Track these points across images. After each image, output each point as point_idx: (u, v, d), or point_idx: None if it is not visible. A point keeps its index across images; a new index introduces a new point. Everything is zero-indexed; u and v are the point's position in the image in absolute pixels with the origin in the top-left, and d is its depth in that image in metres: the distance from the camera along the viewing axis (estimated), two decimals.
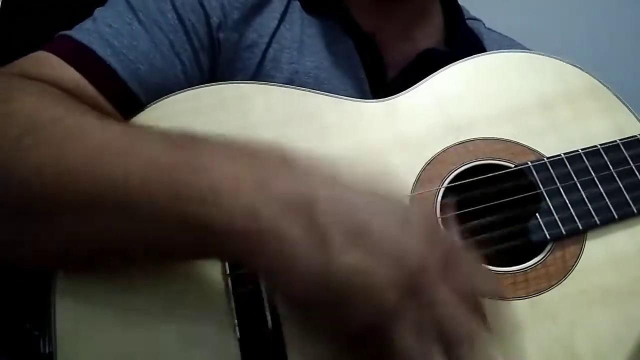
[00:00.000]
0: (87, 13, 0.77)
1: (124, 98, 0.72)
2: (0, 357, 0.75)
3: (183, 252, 0.60)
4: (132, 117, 0.72)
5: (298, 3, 0.86)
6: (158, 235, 0.57)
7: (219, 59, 0.80)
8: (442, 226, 0.58)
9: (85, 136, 0.58)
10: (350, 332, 0.53)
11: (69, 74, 0.70)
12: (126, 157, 0.56)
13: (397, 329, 0.51)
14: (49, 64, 0.70)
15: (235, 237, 0.54)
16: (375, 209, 0.54)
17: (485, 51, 0.93)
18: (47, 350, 0.63)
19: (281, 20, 0.83)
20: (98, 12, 0.76)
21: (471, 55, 0.85)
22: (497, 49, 0.94)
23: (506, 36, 1.00)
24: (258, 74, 0.80)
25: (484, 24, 1.01)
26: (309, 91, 0.77)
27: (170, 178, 0.54)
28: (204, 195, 0.53)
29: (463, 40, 0.92)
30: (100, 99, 0.71)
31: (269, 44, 0.81)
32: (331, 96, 0.77)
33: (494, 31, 1.00)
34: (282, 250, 0.52)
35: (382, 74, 0.86)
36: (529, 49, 0.97)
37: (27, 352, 0.70)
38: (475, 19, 1.00)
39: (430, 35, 0.90)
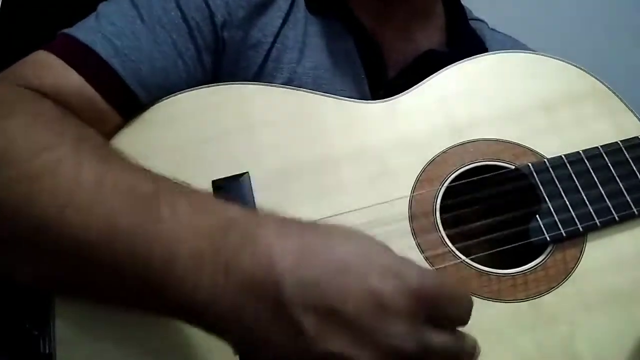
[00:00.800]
0: (87, 13, 0.77)
1: (125, 99, 0.72)
2: (0, 357, 0.75)
3: (152, 311, 0.59)
4: (133, 118, 0.73)
5: (303, 2, 0.86)
6: (125, 292, 0.56)
7: (223, 58, 0.79)
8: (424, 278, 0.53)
9: (56, 179, 0.57)
10: None
11: (71, 78, 0.69)
12: (92, 210, 0.55)
13: None
14: (50, 67, 0.69)
15: (201, 318, 0.54)
16: (346, 284, 0.51)
17: (487, 51, 0.93)
18: (47, 350, 0.63)
19: (285, 19, 0.83)
20: (101, 7, 0.76)
21: (473, 55, 0.85)
22: (500, 50, 0.94)
23: (510, 36, 1.00)
24: (260, 74, 0.80)
25: (487, 25, 1.00)
26: (310, 92, 0.77)
27: (131, 243, 0.54)
28: (165, 270, 0.53)
29: (465, 42, 0.92)
30: (100, 100, 0.70)
31: (272, 44, 0.81)
32: (332, 97, 0.77)
33: (498, 32, 1.00)
34: (252, 334, 0.52)
35: (383, 74, 0.85)
36: (532, 49, 0.97)
37: (27, 352, 0.70)
38: (478, 19, 1.00)
39: (431, 36, 0.90)
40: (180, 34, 0.76)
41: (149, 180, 0.58)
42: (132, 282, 0.54)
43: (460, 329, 0.55)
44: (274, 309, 0.50)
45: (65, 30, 0.73)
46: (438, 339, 0.52)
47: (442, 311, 0.53)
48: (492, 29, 1.00)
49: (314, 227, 0.56)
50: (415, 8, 0.88)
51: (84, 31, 0.73)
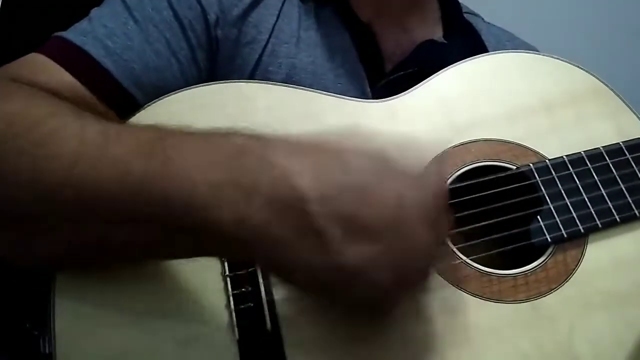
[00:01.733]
0: (87, 13, 0.77)
1: (119, 99, 0.72)
2: (0, 357, 0.75)
3: (181, 251, 0.60)
4: (129, 118, 0.72)
5: None
6: (147, 238, 0.57)
7: (217, 56, 0.79)
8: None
9: (62, 142, 0.57)
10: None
11: (63, 78, 0.70)
12: (102, 165, 0.56)
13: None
14: (43, 68, 0.70)
15: (229, 244, 0.55)
16: (366, 193, 0.53)
17: (484, 45, 0.93)
18: (47, 350, 0.63)
19: (279, 14, 0.83)
20: (94, 12, 0.76)
21: (470, 48, 0.85)
22: (496, 43, 0.95)
23: (506, 30, 1.00)
24: (256, 70, 0.80)
25: (482, 19, 1.00)
26: (310, 90, 0.77)
27: (147, 189, 0.54)
28: (186, 209, 0.53)
29: (461, 34, 0.92)
30: (95, 101, 0.71)
31: (268, 40, 0.81)
32: (333, 96, 0.77)
33: (494, 25, 1.00)
34: (280, 253, 0.53)
35: (380, 66, 0.85)
36: (528, 43, 0.97)
37: (27, 352, 0.70)
38: (473, 13, 1.00)
39: (427, 27, 0.90)
40: (174, 33, 0.76)
41: (151, 128, 0.59)
42: (154, 225, 0.55)
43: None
44: (299, 223, 0.52)
45: (58, 33, 0.74)
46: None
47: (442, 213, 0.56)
48: (487, 23, 1.00)
49: (324, 144, 0.56)
50: (410, 1, 0.88)
51: (76, 33, 0.73)
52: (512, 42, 0.97)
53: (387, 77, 0.84)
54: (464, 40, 0.90)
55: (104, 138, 0.57)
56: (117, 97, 0.72)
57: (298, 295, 0.64)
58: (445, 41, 0.89)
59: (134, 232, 0.57)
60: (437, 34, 0.91)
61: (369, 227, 0.52)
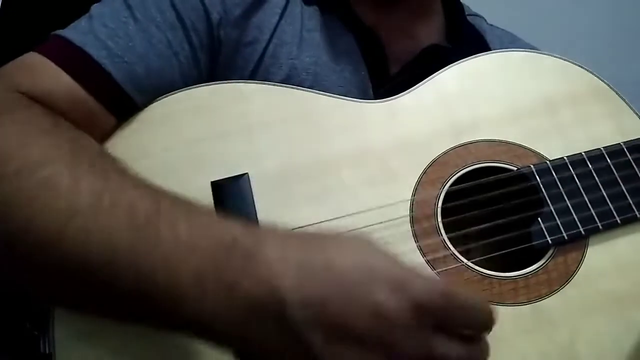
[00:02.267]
0: (87, 11, 0.76)
1: (118, 101, 0.71)
2: (0, 357, 0.75)
3: (156, 326, 0.58)
4: (129, 118, 0.72)
5: None
6: (128, 311, 0.56)
7: (219, 57, 0.79)
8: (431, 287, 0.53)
9: (52, 201, 0.56)
10: None
11: (63, 81, 0.69)
12: (90, 236, 0.54)
13: None
14: (42, 70, 0.69)
15: (208, 334, 0.54)
16: (350, 300, 0.51)
17: (488, 47, 0.93)
18: (47, 350, 0.63)
19: (282, 15, 0.82)
20: (94, 9, 0.75)
21: (474, 51, 0.84)
22: (499, 45, 0.94)
23: (509, 32, 0.99)
24: (257, 71, 0.80)
25: (485, 20, 1.00)
26: (310, 91, 0.77)
27: (131, 268, 0.53)
28: (167, 291, 0.52)
29: (465, 37, 0.92)
30: (93, 104, 0.70)
31: (269, 40, 0.80)
32: (332, 96, 0.77)
33: (497, 27, 1.00)
34: (259, 352, 0.52)
35: (385, 69, 0.85)
36: (530, 44, 0.97)
37: (27, 352, 0.70)
38: (476, 15, 1.00)
39: (432, 31, 0.90)
40: (176, 33, 0.75)
41: (148, 198, 0.57)
42: (135, 301, 0.54)
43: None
44: (279, 328, 0.51)
45: (57, 32, 0.72)
46: (447, 346, 0.52)
47: (454, 319, 0.53)
48: (490, 25, 0.99)
49: (314, 241, 0.55)
50: (415, 4, 0.87)
51: (77, 33, 0.72)
52: (514, 44, 0.96)
53: (391, 81, 0.83)
54: (468, 44, 0.89)
55: (98, 204, 0.55)
56: (116, 100, 0.71)
57: None
58: (449, 45, 0.89)
59: (114, 302, 0.56)
60: (442, 37, 0.90)
61: (351, 333, 0.50)
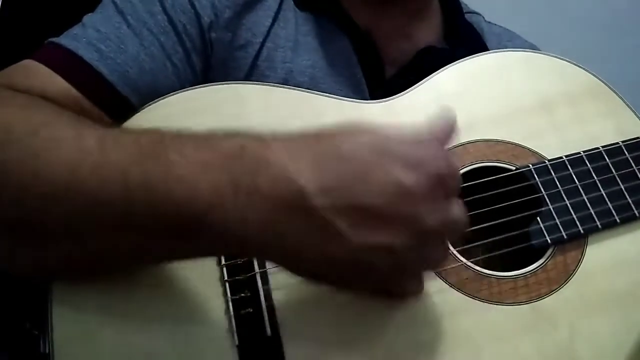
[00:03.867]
0: (87, 13, 0.77)
1: (114, 103, 0.72)
2: (0, 357, 0.75)
3: (183, 255, 0.60)
4: (125, 121, 0.72)
5: (291, 1, 0.85)
6: (151, 244, 0.57)
7: (212, 60, 0.79)
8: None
9: (60, 150, 0.57)
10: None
11: (57, 83, 0.69)
12: (101, 172, 0.55)
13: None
14: (37, 73, 0.70)
15: (234, 243, 0.55)
16: (369, 181, 0.53)
17: (486, 46, 0.93)
18: (47, 350, 0.63)
19: (275, 18, 0.82)
20: (87, 17, 0.76)
21: (472, 51, 0.84)
22: (497, 43, 0.94)
23: (507, 29, 0.99)
24: (252, 74, 0.80)
25: (483, 18, 1.00)
26: (308, 92, 0.77)
27: (148, 195, 0.54)
28: (187, 213, 0.53)
29: (463, 36, 0.91)
30: (90, 106, 0.70)
31: (263, 43, 0.81)
32: (330, 97, 0.76)
33: (495, 24, 0.99)
34: (289, 249, 0.54)
35: (380, 72, 0.85)
36: (528, 42, 0.97)
37: (27, 352, 0.70)
38: (474, 12, 0.99)
39: (428, 31, 0.89)
40: (168, 36, 0.76)
41: (150, 131, 0.59)
42: (156, 229, 0.55)
43: None
44: (305, 219, 0.52)
45: (51, 39, 0.73)
46: (456, 209, 0.57)
47: (452, 187, 0.57)
48: (488, 22, 0.99)
49: (321, 135, 0.56)
50: (410, 4, 0.87)
51: (69, 39, 0.73)
52: (512, 42, 0.96)
53: (387, 84, 0.83)
54: (466, 42, 0.89)
55: (103, 144, 0.57)
56: (112, 101, 0.72)
57: (298, 299, 0.64)
58: (446, 46, 0.89)
59: (136, 238, 0.57)
60: (439, 37, 0.90)
61: (375, 212, 0.52)
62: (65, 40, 0.73)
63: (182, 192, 0.53)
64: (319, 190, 0.52)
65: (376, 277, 0.58)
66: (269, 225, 0.53)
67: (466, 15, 0.96)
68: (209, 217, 0.53)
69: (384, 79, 0.84)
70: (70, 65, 0.70)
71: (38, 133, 0.58)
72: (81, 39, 0.72)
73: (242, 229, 0.53)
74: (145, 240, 0.57)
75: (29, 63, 0.71)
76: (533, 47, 0.95)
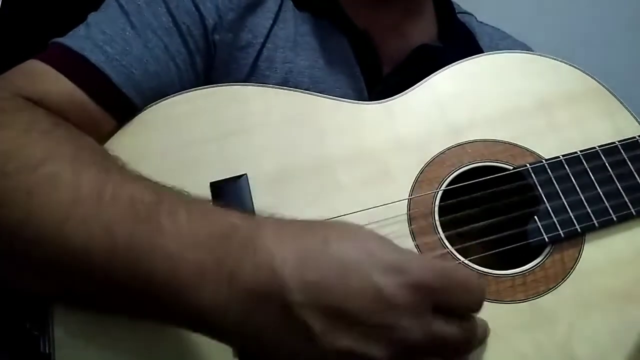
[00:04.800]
0: (87, 14, 0.77)
1: (118, 104, 0.72)
2: (0, 357, 0.75)
3: (158, 320, 0.59)
4: (128, 121, 0.73)
5: (291, 2, 0.86)
6: (128, 304, 0.57)
7: (214, 61, 0.80)
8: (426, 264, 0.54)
9: (54, 193, 0.57)
10: None
11: (63, 85, 0.70)
12: (90, 226, 0.55)
13: None
14: (42, 75, 0.70)
15: (209, 329, 0.55)
16: (348, 283, 0.52)
17: (479, 45, 0.94)
18: (47, 350, 0.63)
19: (275, 20, 0.83)
20: (91, 17, 0.76)
21: (465, 49, 0.85)
22: (490, 42, 0.95)
23: (498, 29, 1.00)
24: (252, 74, 0.80)
25: (475, 18, 1.01)
26: (308, 93, 0.77)
27: (131, 259, 0.54)
28: (167, 283, 0.53)
29: (456, 35, 0.93)
30: (94, 107, 0.71)
31: (263, 44, 0.81)
32: (330, 98, 0.77)
33: (487, 24, 1.00)
34: (260, 341, 0.53)
35: (378, 70, 0.86)
36: (520, 41, 0.98)
37: (27, 352, 0.70)
38: (466, 12, 1.01)
39: (423, 30, 0.91)
40: (172, 38, 0.76)
41: (149, 191, 0.58)
42: (135, 294, 0.55)
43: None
44: (280, 313, 0.51)
45: (56, 40, 0.74)
46: (446, 327, 0.53)
47: (450, 300, 0.54)
48: (480, 22, 1.00)
49: (312, 228, 0.56)
50: (405, 3, 0.88)
51: (75, 39, 0.73)
52: (505, 41, 0.98)
53: (384, 81, 0.84)
54: (459, 42, 0.91)
55: (99, 196, 0.56)
56: (116, 103, 0.72)
57: None
58: (440, 44, 0.89)
59: (115, 295, 0.57)
60: (433, 36, 0.91)
61: (351, 316, 0.51)
62: (70, 41, 0.73)
63: (165, 264, 0.53)
64: (300, 287, 0.51)
65: None
66: (246, 315, 0.52)
67: (458, 15, 0.97)
68: (184, 295, 0.53)
69: (382, 77, 0.85)
70: (76, 67, 0.71)
71: (36, 170, 0.58)
72: (86, 40, 0.73)
73: (219, 314, 0.52)
74: (122, 300, 0.57)
75: (34, 64, 0.71)
76: (525, 46, 0.97)
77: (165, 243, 0.54)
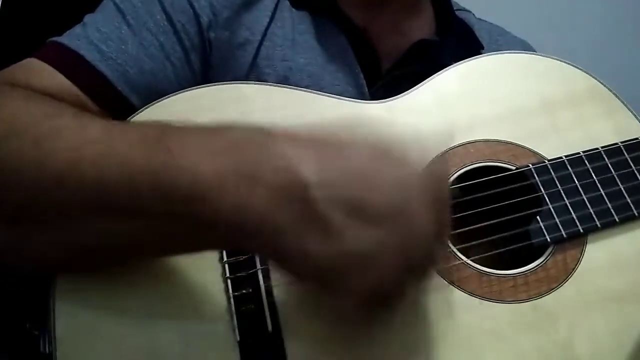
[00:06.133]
0: (86, 14, 0.77)
1: (115, 102, 0.73)
2: (0, 357, 0.75)
3: (182, 245, 0.60)
4: (128, 119, 0.72)
5: (287, 1, 0.86)
6: (151, 233, 0.57)
7: (211, 59, 0.80)
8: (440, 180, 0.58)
9: (63, 140, 0.58)
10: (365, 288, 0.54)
11: (58, 81, 0.70)
12: (105, 160, 0.56)
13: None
14: (39, 72, 0.71)
15: (232, 232, 0.55)
16: (368, 178, 0.53)
17: (478, 40, 0.94)
18: (47, 350, 0.63)
19: (272, 17, 0.83)
20: (88, 17, 0.77)
21: (464, 44, 0.85)
22: (489, 38, 0.95)
23: (497, 25, 1.01)
24: (252, 72, 0.80)
25: (474, 15, 1.01)
26: (308, 91, 0.77)
27: (151, 180, 0.54)
28: (190, 196, 0.53)
29: (454, 30, 0.93)
30: (91, 105, 0.71)
31: (261, 42, 0.81)
32: (331, 97, 0.77)
33: (485, 21, 1.01)
34: (282, 241, 0.53)
35: (377, 66, 0.86)
36: (519, 37, 0.98)
37: (27, 352, 0.70)
38: (465, 9, 1.01)
39: (421, 26, 0.91)
40: (167, 36, 0.76)
41: (154, 124, 0.60)
42: (158, 216, 0.55)
43: None
44: (301, 209, 0.52)
45: (53, 39, 0.74)
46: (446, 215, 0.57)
47: (445, 190, 0.58)
48: (478, 19, 1.01)
49: (325, 133, 0.57)
50: (404, 4, 0.89)
51: (71, 38, 0.74)
52: (503, 37, 0.98)
53: (384, 77, 0.84)
54: (458, 37, 0.91)
55: (108, 133, 0.58)
56: (113, 101, 0.72)
57: (299, 295, 0.64)
58: (438, 39, 0.90)
59: (136, 226, 0.57)
60: (431, 32, 0.92)
61: (371, 211, 0.52)
62: (67, 39, 0.74)
63: (184, 179, 0.54)
64: (320, 183, 0.52)
65: (364, 280, 0.54)
66: (269, 215, 0.53)
67: (457, 13, 0.97)
68: (208, 204, 0.53)
69: (381, 72, 0.85)
70: (73, 65, 0.71)
71: (41, 125, 0.59)
72: (83, 39, 0.73)
73: (242, 215, 0.53)
74: (149, 226, 0.57)
75: (31, 61, 0.72)
76: (524, 43, 0.97)
77: (180, 161, 0.54)
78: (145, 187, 0.54)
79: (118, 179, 0.55)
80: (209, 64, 0.80)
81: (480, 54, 0.87)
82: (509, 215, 0.72)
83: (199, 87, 0.75)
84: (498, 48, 0.94)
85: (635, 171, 0.74)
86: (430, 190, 0.55)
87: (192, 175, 0.54)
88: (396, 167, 0.55)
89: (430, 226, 0.54)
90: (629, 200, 0.73)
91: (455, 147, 0.75)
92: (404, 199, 0.53)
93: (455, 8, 0.98)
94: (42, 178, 0.57)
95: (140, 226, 0.57)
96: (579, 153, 0.75)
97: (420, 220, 0.53)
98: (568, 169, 0.73)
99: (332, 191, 0.52)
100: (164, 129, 0.58)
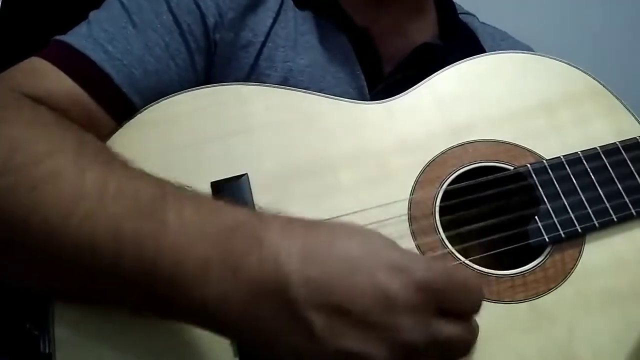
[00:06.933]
0: (87, 13, 0.77)
1: (118, 103, 0.72)
2: (0, 357, 0.75)
3: (162, 315, 0.59)
4: (129, 120, 0.73)
5: (291, 1, 0.86)
6: (132, 298, 0.57)
7: (214, 59, 0.79)
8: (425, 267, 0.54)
9: (59, 189, 0.56)
10: None
11: (64, 83, 0.70)
12: (95, 221, 0.55)
13: None
14: (44, 73, 0.70)
15: (211, 322, 0.55)
16: (353, 282, 0.52)
17: (481, 44, 0.94)
18: (47, 350, 0.63)
19: (276, 18, 0.83)
20: (93, 15, 0.76)
21: (467, 48, 0.85)
22: (492, 42, 0.95)
23: (500, 29, 1.00)
24: (253, 73, 0.80)
25: (477, 19, 1.01)
26: (309, 93, 0.77)
27: (138, 250, 0.54)
28: (173, 277, 0.53)
29: (457, 34, 0.93)
30: (94, 106, 0.71)
31: (264, 43, 0.81)
32: (331, 98, 0.77)
33: (488, 25, 1.01)
34: (262, 335, 0.53)
35: (379, 69, 0.86)
36: (521, 42, 0.98)
37: (27, 352, 0.70)
38: (468, 13, 1.01)
39: (424, 29, 0.91)
40: (173, 36, 0.76)
41: (153, 185, 0.58)
42: (139, 288, 0.55)
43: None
44: (283, 308, 0.51)
45: (58, 37, 0.74)
46: (447, 328, 0.54)
47: (451, 302, 0.54)
48: (482, 23, 1.00)
49: (317, 226, 0.56)
50: (407, 5, 0.88)
51: (77, 37, 0.73)
52: (506, 42, 0.98)
53: (386, 80, 0.84)
54: (461, 41, 0.91)
55: (103, 191, 0.56)
56: (116, 102, 0.72)
57: None
58: (441, 43, 0.89)
59: (118, 288, 0.56)
60: (434, 35, 0.91)
61: (353, 313, 0.51)
62: (72, 39, 0.73)
63: (170, 259, 0.53)
64: (303, 282, 0.51)
65: None
66: (249, 308, 0.52)
67: (460, 16, 0.97)
68: (189, 290, 0.53)
69: (383, 75, 0.85)
70: (78, 66, 0.71)
71: (40, 164, 0.58)
72: (88, 38, 0.73)
73: (222, 306, 0.52)
74: (127, 293, 0.56)
75: (35, 61, 0.71)
76: (525, 47, 0.97)
77: (171, 237, 0.54)
78: (131, 258, 0.54)
79: (107, 243, 0.54)
80: (213, 65, 0.80)
81: None
82: (508, 216, 0.72)
83: (200, 88, 0.76)
84: None
85: (634, 171, 0.74)
86: (416, 291, 0.52)
87: (179, 257, 0.53)
88: (383, 269, 0.53)
89: (421, 333, 0.52)
90: (627, 200, 0.73)
91: (454, 147, 0.75)
92: (389, 309, 0.52)
93: (459, 11, 0.97)
94: (31, 224, 0.56)
95: (114, 289, 0.56)
96: (577, 153, 0.75)
97: (403, 330, 0.52)
98: (566, 169, 0.73)
99: (313, 292, 0.51)
100: (163, 194, 0.57)
